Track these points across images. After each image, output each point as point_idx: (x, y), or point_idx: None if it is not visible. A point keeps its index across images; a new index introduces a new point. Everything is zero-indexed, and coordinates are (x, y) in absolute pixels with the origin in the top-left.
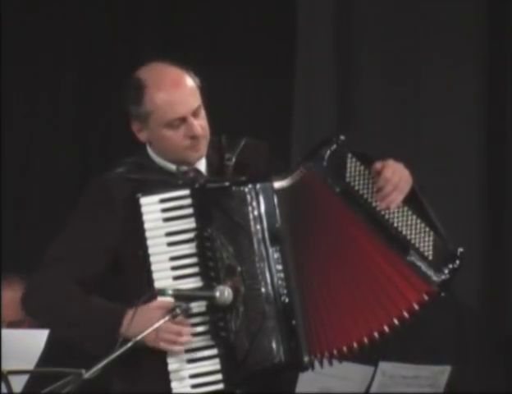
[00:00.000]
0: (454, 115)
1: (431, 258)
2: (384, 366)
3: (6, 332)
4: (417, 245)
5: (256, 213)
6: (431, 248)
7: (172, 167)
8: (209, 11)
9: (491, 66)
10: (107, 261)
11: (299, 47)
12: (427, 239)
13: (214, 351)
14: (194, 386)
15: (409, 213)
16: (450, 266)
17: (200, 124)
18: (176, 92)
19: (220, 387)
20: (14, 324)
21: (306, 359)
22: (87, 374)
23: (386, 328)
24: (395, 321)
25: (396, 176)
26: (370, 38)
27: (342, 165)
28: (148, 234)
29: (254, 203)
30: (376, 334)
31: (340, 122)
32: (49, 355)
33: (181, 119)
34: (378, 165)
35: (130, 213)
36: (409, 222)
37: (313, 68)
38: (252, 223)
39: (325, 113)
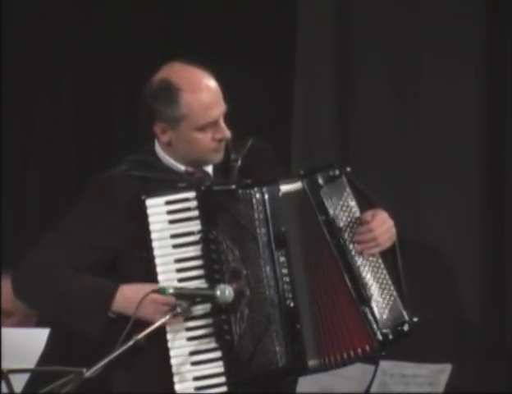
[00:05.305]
0: (454, 115)
1: (384, 316)
2: (384, 365)
3: (6, 331)
4: (376, 299)
5: (262, 216)
6: (388, 307)
7: (180, 167)
8: (209, 11)
9: (491, 66)
10: (101, 257)
11: (298, 47)
12: (387, 297)
13: (218, 354)
14: (198, 388)
15: (382, 266)
16: (398, 329)
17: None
18: (210, 95)
19: (223, 389)
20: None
21: (310, 363)
22: (88, 373)
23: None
24: (345, 355)
25: (380, 230)
26: (370, 38)
27: (337, 196)
28: (153, 236)
29: (260, 207)
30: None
31: (339, 122)
32: (50, 353)
33: (213, 122)
34: (368, 216)
35: (134, 213)
36: (377, 275)
37: (312, 68)
38: (258, 227)
39: (325, 113)
